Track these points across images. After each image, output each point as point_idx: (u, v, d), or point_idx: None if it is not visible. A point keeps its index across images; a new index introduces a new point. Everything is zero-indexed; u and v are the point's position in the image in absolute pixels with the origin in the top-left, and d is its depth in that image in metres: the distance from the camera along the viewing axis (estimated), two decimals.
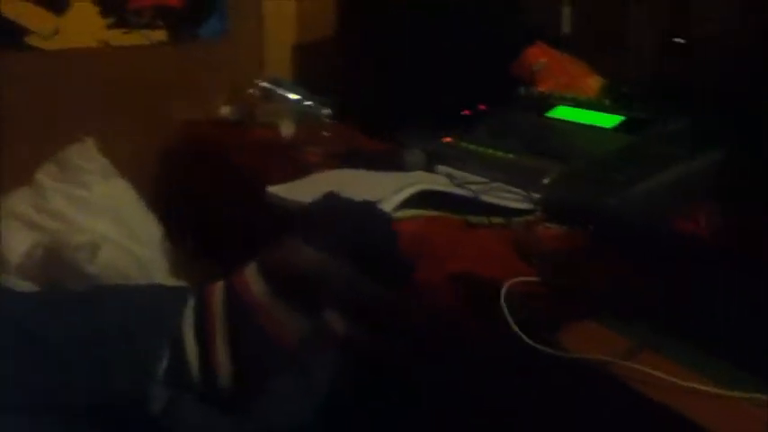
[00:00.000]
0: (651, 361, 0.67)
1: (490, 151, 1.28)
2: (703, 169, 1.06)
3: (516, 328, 0.74)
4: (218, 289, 0.86)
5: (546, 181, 1.13)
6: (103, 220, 1.20)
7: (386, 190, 1.08)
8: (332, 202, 0.98)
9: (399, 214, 1.03)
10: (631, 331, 0.74)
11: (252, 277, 0.87)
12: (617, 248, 0.92)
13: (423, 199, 1.09)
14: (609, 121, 1.29)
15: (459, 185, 1.16)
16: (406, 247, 0.94)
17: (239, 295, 0.87)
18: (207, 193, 1.37)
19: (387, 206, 1.03)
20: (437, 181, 1.18)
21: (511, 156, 1.25)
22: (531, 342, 0.72)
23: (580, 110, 1.36)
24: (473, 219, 1.06)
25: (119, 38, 1.52)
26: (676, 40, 1.47)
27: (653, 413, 0.63)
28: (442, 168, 1.26)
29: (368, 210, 0.95)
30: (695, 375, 0.65)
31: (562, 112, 1.37)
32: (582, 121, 1.32)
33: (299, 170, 1.22)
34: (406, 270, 0.88)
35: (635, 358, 0.68)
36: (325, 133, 1.49)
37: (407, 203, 1.06)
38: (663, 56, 1.54)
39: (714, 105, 1.00)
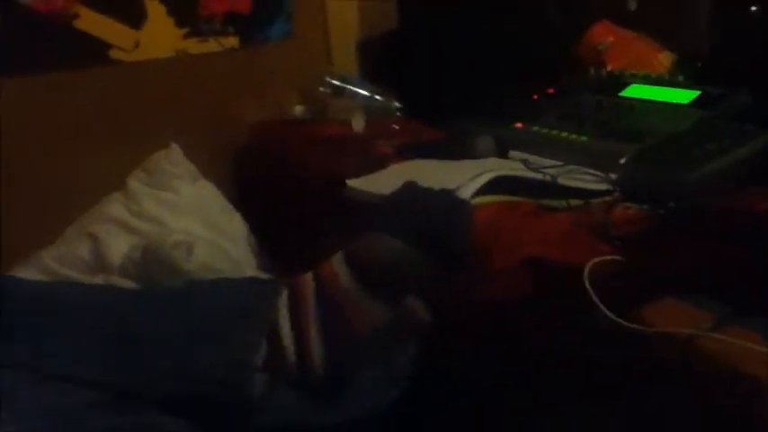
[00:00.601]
0: (736, 333, 0.68)
1: (563, 134, 1.28)
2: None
3: (602, 306, 0.75)
4: (308, 280, 0.90)
5: (622, 161, 1.12)
6: (194, 220, 1.26)
7: (461, 178, 1.09)
8: (411, 192, 1.00)
9: (476, 201, 1.05)
10: (712, 307, 0.74)
11: (339, 268, 0.91)
12: (695, 226, 0.92)
13: (498, 185, 1.10)
14: (684, 96, 1.28)
15: (533, 170, 1.17)
16: (484, 233, 0.95)
17: (328, 286, 0.90)
18: (285, 190, 1.42)
19: (464, 193, 1.05)
20: (511, 166, 1.19)
21: (584, 138, 1.24)
22: (617, 319, 0.73)
23: (653, 87, 1.34)
24: (550, 202, 1.07)
25: (195, 46, 1.59)
26: (752, 8, 1.43)
27: (743, 384, 0.64)
28: (514, 154, 1.27)
29: (446, 198, 0.97)
30: None
31: (635, 91, 1.36)
32: (656, 99, 1.31)
33: (373, 163, 1.25)
34: (483, 256, 0.90)
35: (720, 331, 0.68)
36: (395, 126, 1.52)
37: (483, 190, 1.07)
38: (734, 28, 1.50)
39: None
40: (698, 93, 1.26)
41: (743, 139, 1.08)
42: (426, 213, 0.93)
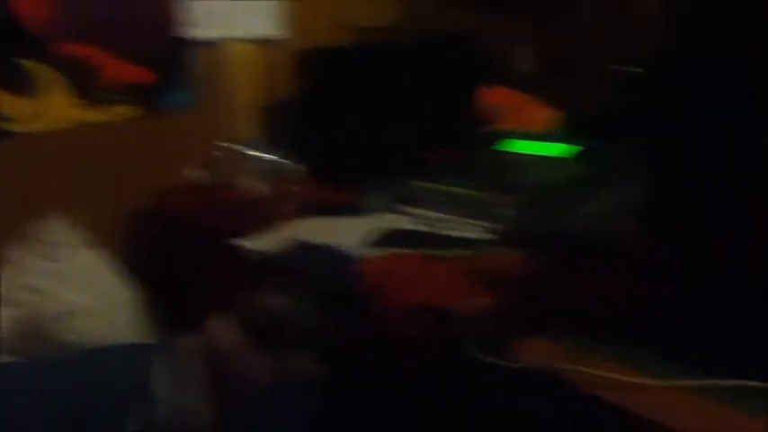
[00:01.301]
0: (595, 364, 0.71)
1: (453, 189, 1.34)
2: (643, 192, 1.11)
3: (473, 348, 0.78)
4: (193, 341, 0.90)
5: (505, 211, 1.19)
6: (79, 289, 1.24)
7: (355, 233, 1.14)
8: (300, 249, 1.02)
9: (368, 255, 1.08)
10: (580, 341, 0.78)
11: (226, 327, 0.91)
12: (570, 268, 0.97)
13: (390, 239, 1.14)
14: (564, 151, 1.36)
15: (423, 223, 1.22)
16: (374, 285, 0.98)
17: (214, 345, 0.90)
18: (180, 254, 1.42)
19: (355, 249, 1.08)
20: (402, 221, 1.24)
21: (473, 192, 1.31)
22: (486, 358, 0.76)
23: (537, 143, 1.43)
24: (437, 252, 1.11)
25: (92, 116, 1.59)
26: (622, 69, 1.54)
27: (598, 410, 0.67)
28: (407, 209, 1.32)
29: (335, 253, 1.00)
30: (639, 373, 0.69)
31: (520, 147, 1.44)
32: (537, 153, 1.39)
33: (270, 224, 1.27)
34: (373, 309, 0.93)
35: (580, 362, 0.72)
36: (296, 188, 1.55)
37: (375, 244, 1.11)
38: (611, 86, 1.61)
39: (654, 132, 1.06)
40: (577, 148, 1.34)
41: (618, 189, 1.15)
42: (315, 269, 0.95)
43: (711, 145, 0.86)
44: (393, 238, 1.15)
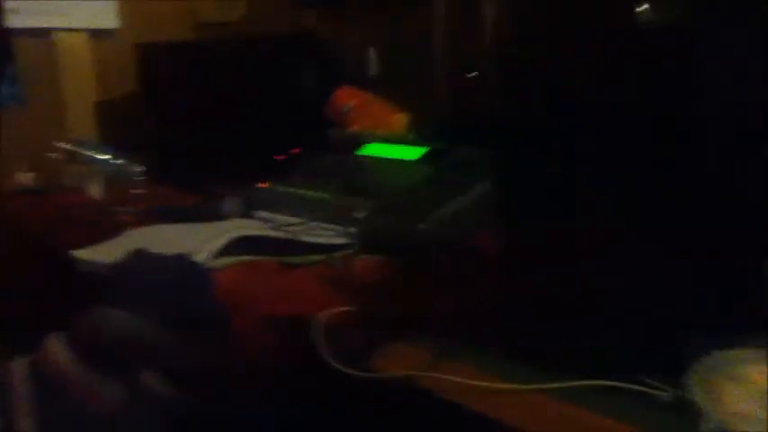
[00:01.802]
0: (452, 369, 0.72)
1: (306, 193, 1.31)
2: (494, 193, 1.15)
3: (329, 357, 0.76)
4: (19, 366, 0.81)
5: (360, 215, 1.18)
6: None
7: (201, 241, 1.08)
8: (139, 260, 0.96)
9: (216, 264, 1.03)
10: (438, 346, 0.79)
11: (58, 348, 0.83)
12: (424, 272, 0.98)
13: (240, 246, 1.09)
14: (415, 153, 1.37)
15: (275, 229, 1.18)
16: (224, 295, 0.93)
17: (46, 369, 0.82)
18: (9, 265, 1.29)
19: (202, 257, 1.02)
20: (254, 227, 1.19)
21: (326, 195, 1.29)
22: (344, 369, 0.75)
23: (389, 145, 1.44)
24: (291, 259, 1.08)
25: None
26: (470, 74, 1.59)
27: (455, 415, 0.68)
28: (259, 214, 1.28)
29: (179, 263, 0.94)
30: (491, 376, 0.71)
31: (371, 149, 1.44)
32: (391, 156, 1.39)
33: (109, 232, 1.18)
34: (222, 320, 0.88)
35: (437, 369, 0.72)
36: (136, 192, 1.46)
37: (224, 252, 1.06)
38: (459, 90, 1.66)
39: (498, 133, 1.09)
40: (426, 150, 1.36)
41: (467, 189, 1.18)
42: (155, 281, 0.89)
43: (554, 145, 0.90)
44: (245, 244, 1.11)
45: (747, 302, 0.79)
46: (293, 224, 1.21)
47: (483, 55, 1.56)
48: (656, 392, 0.68)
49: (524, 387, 0.69)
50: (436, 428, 0.72)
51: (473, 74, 1.58)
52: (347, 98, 1.68)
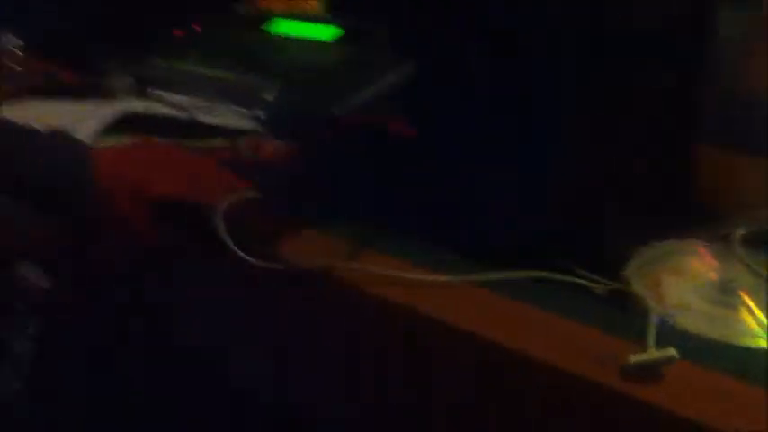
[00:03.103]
0: (371, 259, 0.65)
1: (208, 71, 1.18)
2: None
3: (233, 246, 0.67)
4: None
5: (268, 97, 1.07)
6: None
7: (90, 118, 0.95)
8: (15, 134, 0.82)
9: (100, 143, 0.90)
10: (353, 233, 0.71)
11: None
12: (336, 156, 0.89)
13: (130, 124, 0.97)
14: (329, 33, 1.26)
15: (173, 107, 1.05)
16: (108, 175, 0.81)
17: None
18: None
19: (83, 133, 0.89)
20: (147, 105, 1.06)
21: (230, 74, 1.16)
22: (250, 258, 0.66)
23: (300, 23, 1.31)
24: (189, 141, 0.97)
25: None
26: None
27: (375, 309, 0.61)
28: (154, 92, 1.14)
29: (54, 139, 0.81)
30: (413, 266, 0.64)
31: (281, 27, 1.31)
32: (301, 35, 1.27)
33: None
34: (104, 202, 0.77)
35: (355, 259, 0.64)
36: (15, 67, 1.29)
37: (111, 130, 0.93)
38: None
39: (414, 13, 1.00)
40: (340, 30, 1.25)
41: (385, 72, 1.08)
42: (26, 158, 0.76)
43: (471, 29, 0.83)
44: (137, 123, 0.98)
45: (685, 192, 0.75)
46: (194, 104, 1.08)
47: None
48: (594, 285, 0.63)
49: (455, 279, 0.63)
50: (356, 322, 0.65)
51: None
52: None
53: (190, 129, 1.01)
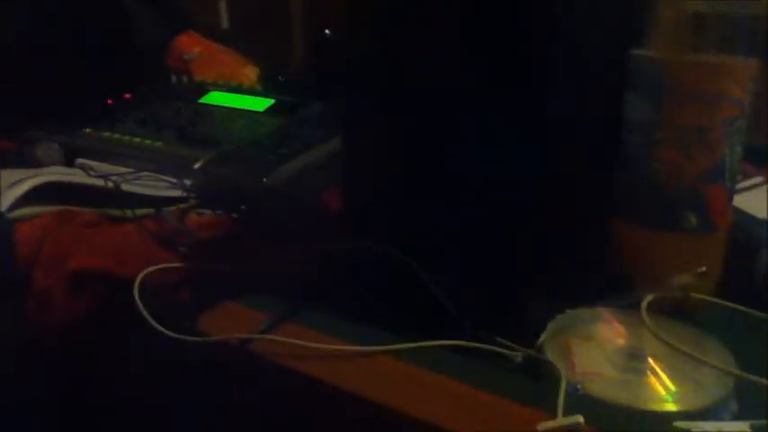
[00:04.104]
0: (289, 331, 0.64)
1: (138, 140, 1.18)
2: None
3: (149, 318, 0.66)
4: None
5: (197, 166, 1.07)
6: None
7: (12, 187, 0.93)
8: None
9: (18, 213, 0.88)
10: (274, 307, 0.71)
11: None
12: (264, 227, 0.89)
13: (50, 194, 0.95)
14: (261, 104, 1.28)
15: (98, 177, 1.04)
16: (26, 247, 0.80)
17: None
18: None
19: (3, 204, 0.87)
20: (70, 173, 1.05)
21: (160, 144, 1.16)
22: (165, 331, 0.65)
23: (233, 95, 1.33)
24: (114, 211, 0.95)
25: None
26: (325, 32, 1.51)
27: (291, 381, 0.60)
28: (82, 162, 1.13)
29: None
30: (329, 338, 0.64)
31: (215, 98, 1.33)
32: (234, 106, 1.29)
33: None
34: (21, 279, 0.75)
35: (273, 331, 0.64)
36: None
37: (29, 199, 0.91)
38: (313, 47, 1.58)
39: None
40: (272, 102, 1.27)
41: (313, 144, 1.10)
42: None
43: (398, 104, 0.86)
44: (58, 193, 0.96)
45: (598, 261, 0.78)
46: (120, 173, 1.07)
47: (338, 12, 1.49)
48: (508, 353, 0.64)
49: (368, 349, 0.63)
50: (271, 396, 0.64)
51: (327, 31, 1.51)
52: (191, 45, 1.55)
53: (115, 198, 0.99)
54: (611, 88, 0.77)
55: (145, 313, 0.67)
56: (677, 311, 0.70)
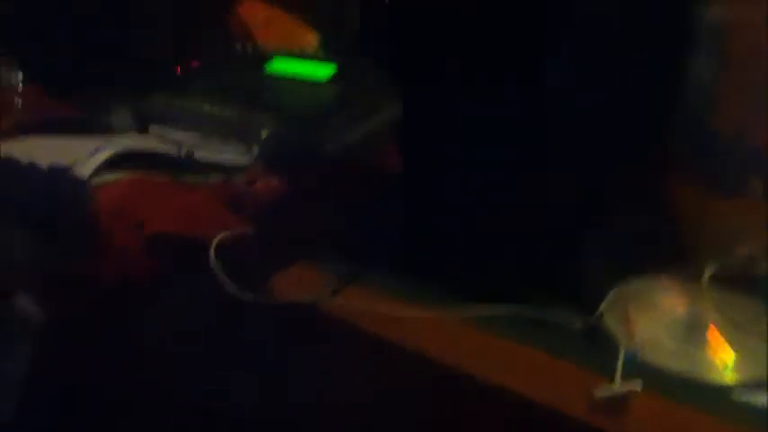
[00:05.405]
0: (359, 295, 0.67)
1: (206, 108, 1.21)
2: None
3: (227, 280, 0.69)
4: None
5: (264, 133, 1.10)
6: None
7: (82, 154, 0.97)
8: (7, 170, 0.85)
9: (99, 178, 0.93)
10: (343, 270, 0.74)
11: None
12: (330, 193, 0.92)
13: (128, 161, 0.99)
14: (324, 71, 1.30)
15: (171, 144, 1.08)
16: (106, 211, 0.84)
17: None
18: None
19: (81, 170, 0.92)
20: (145, 141, 1.09)
21: (228, 111, 1.19)
22: (241, 292, 0.68)
23: (297, 62, 1.35)
24: (188, 177, 1.00)
25: None
26: None
27: (363, 346, 0.63)
28: (154, 128, 1.17)
29: (54, 175, 0.84)
30: (401, 302, 0.67)
31: (278, 66, 1.35)
32: (297, 74, 1.31)
33: None
34: (99, 237, 0.80)
35: (343, 294, 0.67)
36: (15, 100, 1.32)
37: (108, 166, 0.96)
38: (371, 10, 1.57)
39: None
40: (336, 68, 1.29)
41: (376, 109, 1.12)
42: (26, 193, 0.79)
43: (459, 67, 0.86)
44: (134, 159, 1.01)
45: (661, 232, 0.78)
46: (192, 141, 1.11)
47: None
48: (569, 321, 0.66)
49: (434, 314, 0.65)
50: (341, 357, 0.67)
51: None
52: (254, 11, 1.57)
53: (187, 165, 1.04)
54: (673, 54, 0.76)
55: (220, 272, 0.71)
56: (740, 282, 0.70)
